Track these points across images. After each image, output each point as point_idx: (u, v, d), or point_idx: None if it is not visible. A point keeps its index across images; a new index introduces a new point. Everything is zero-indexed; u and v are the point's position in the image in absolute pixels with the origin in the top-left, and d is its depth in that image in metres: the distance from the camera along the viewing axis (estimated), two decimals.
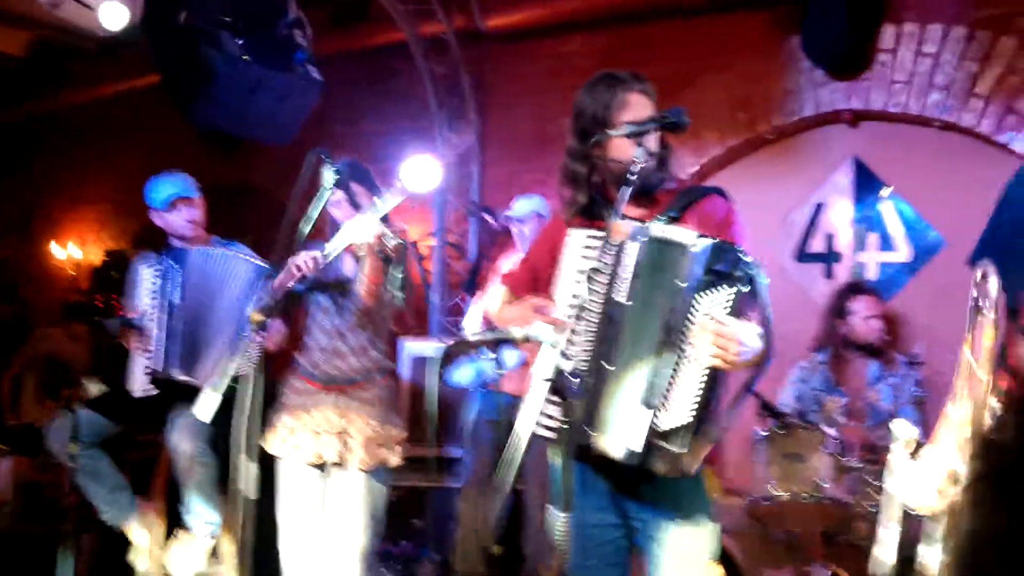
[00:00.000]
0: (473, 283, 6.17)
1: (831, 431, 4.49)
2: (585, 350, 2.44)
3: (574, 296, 2.46)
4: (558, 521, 2.06)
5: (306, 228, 3.32)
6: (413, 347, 5.71)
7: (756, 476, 4.59)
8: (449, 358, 3.99)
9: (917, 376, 4.86)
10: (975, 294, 2.35)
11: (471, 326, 5.20)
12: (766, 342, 2.34)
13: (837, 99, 5.66)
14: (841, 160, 5.85)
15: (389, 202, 3.46)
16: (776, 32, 5.65)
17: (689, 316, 2.31)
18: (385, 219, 3.53)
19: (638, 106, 2.59)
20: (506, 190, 6.23)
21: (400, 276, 3.45)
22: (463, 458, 5.19)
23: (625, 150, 2.55)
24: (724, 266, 2.30)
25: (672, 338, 2.30)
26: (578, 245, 2.53)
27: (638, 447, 2.32)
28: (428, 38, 6.65)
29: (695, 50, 5.93)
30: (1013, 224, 2.65)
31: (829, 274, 5.88)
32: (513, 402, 4.48)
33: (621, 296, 2.40)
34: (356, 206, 3.65)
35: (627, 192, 2.41)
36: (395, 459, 3.75)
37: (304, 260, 3.51)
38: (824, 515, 4.40)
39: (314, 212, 3.38)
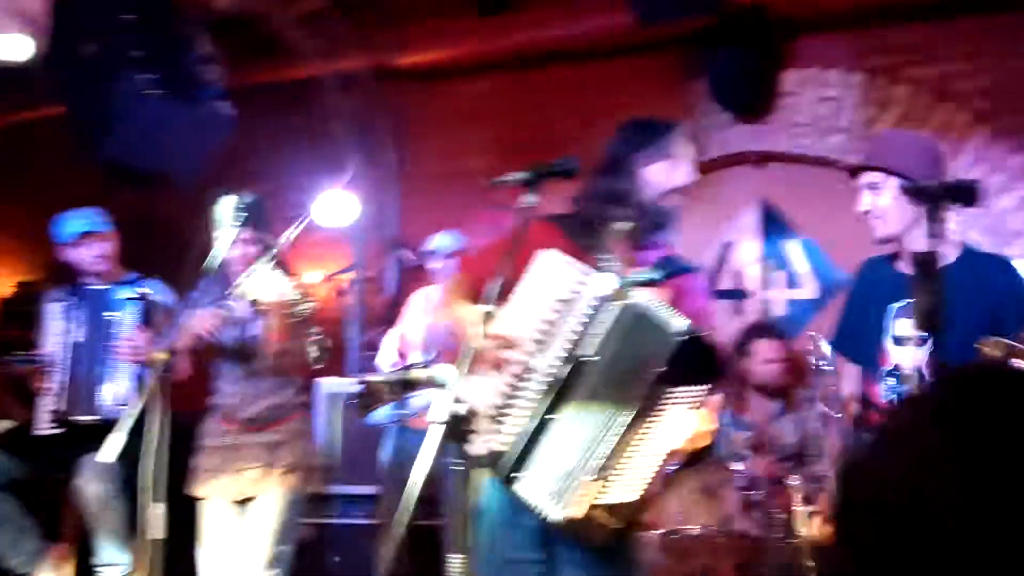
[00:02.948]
0: (391, 318, 6.16)
1: (738, 466, 4.58)
2: (530, 392, 2.44)
3: (542, 323, 2.45)
4: (455, 563, 2.07)
5: (213, 265, 3.31)
6: (329, 384, 5.67)
7: (668, 511, 4.65)
8: (364, 399, 3.98)
9: (820, 410, 4.97)
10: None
11: (385, 360, 5.19)
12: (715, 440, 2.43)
13: (743, 141, 5.81)
14: (748, 200, 6.00)
15: (291, 234, 3.48)
16: (681, 75, 5.79)
17: (659, 402, 2.32)
18: (284, 268, 3.53)
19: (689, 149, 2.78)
20: (421, 224, 6.25)
21: (316, 341, 3.46)
22: (380, 496, 5.16)
23: (659, 178, 2.70)
24: (703, 364, 2.34)
25: (639, 417, 2.31)
26: (553, 268, 2.50)
27: (579, 514, 2.33)
28: (341, 74, 6.66)
29: (600, 92, 6.02)
30: (855, 314, 3.19)
31: (738, 311, 6.00)
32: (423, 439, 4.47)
33: (588, 350, 2.40)
34: (262, 244, 3.64)
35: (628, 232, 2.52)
36: (313, 487, 3.81)
37: (209, 323, 3.49)
38: (736, 549, 4.48)
39: (220, 249, 3.37)
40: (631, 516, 2.38)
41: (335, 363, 6.15)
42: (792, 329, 5.56)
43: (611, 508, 2.34)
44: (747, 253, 6.01)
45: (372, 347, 6.75)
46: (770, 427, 5.04)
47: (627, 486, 2.34)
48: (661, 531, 4.63)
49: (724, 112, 5.70)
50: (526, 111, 6.37)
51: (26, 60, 4.49)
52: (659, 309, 2.38)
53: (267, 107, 6.71)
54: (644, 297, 2.41)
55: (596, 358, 2.38)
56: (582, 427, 2.37)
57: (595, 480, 2.30)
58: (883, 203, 2.98)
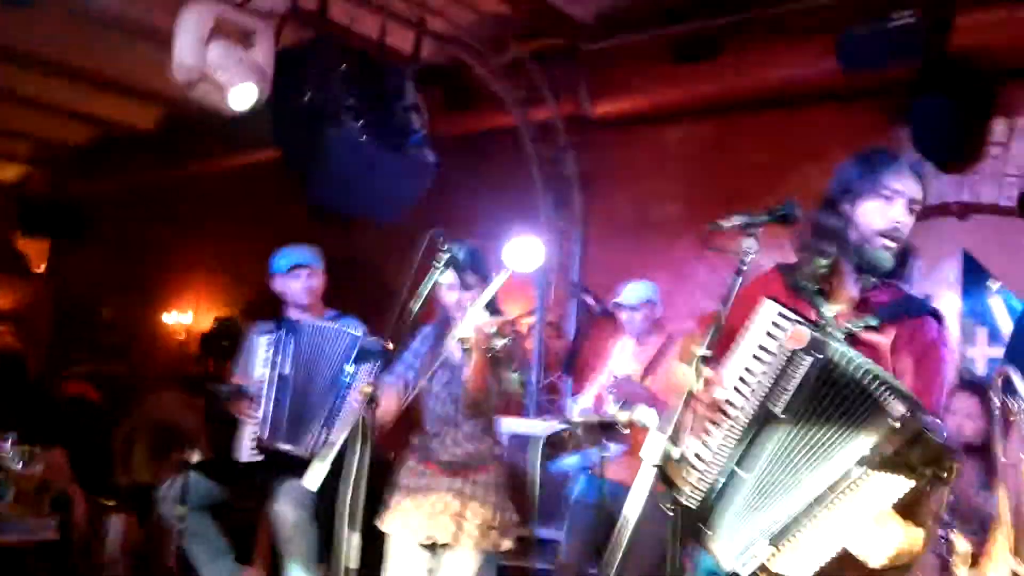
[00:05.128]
0: (571, 363, 6.19)
1: (939, 531, 4.35)
2: (723, 444, 2.36)
3: (745, 371, 2.32)
4: None
5: (415, 307, 3.39)
6: (510, 425, 5.73)
7: None
8: (554, 445, 3.97)
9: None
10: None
11: (579, 408, 5.17)
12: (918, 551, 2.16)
13: (946, 191, 5.60)
14: (949, 253, 5.77)
15: (493, 287, 3.53)
16: (885, 124, 5.63)
17: (849, 484, 2.14)
18: (496, 311, 3.58)
19: (910, 183, 2.56)
20: (605, 271, 6.28)
21: (516, 376, 3.47)
22: (561, 541, 5.14)
23: (875, 216, 2.54)
24: (918, 460, 2.09)
25: (825, 493, 2.16)
26: (767, 319, 2.33)
27: (744, 573, 2.26)
28: (536, 123, 6.80)
29: (799, 141, 5.92)
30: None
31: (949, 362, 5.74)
32: (614, 489, 4.44)
33: (777, 406, 2.27)
34: (467, 288, 3.73)
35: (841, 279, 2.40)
36: (507, 543, 3.78)
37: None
38: None
39: (424, 291, 3.46)
40: None
41: (515, 405, 6.23)
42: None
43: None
44: (947, 308, 5.76)
45: (552, 390, 6.82)
46: (973, 496, 4.77)
47: (800, 559, 2.19)
48: None
49: (927, 162, 5.51)
50: (720, 160, 6.33)
51: (250, 108, 4.72)
52: (855, 364, 2.18)
53: (465, 154, 6.93)
54: (845, 352, 2.21)
55: (783, 414, 2.25)
56: (781, 492, 2.26)
57: (769, 543, 2.21)
58: None
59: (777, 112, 6.14)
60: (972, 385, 5.05)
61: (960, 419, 4.85)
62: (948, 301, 5.75)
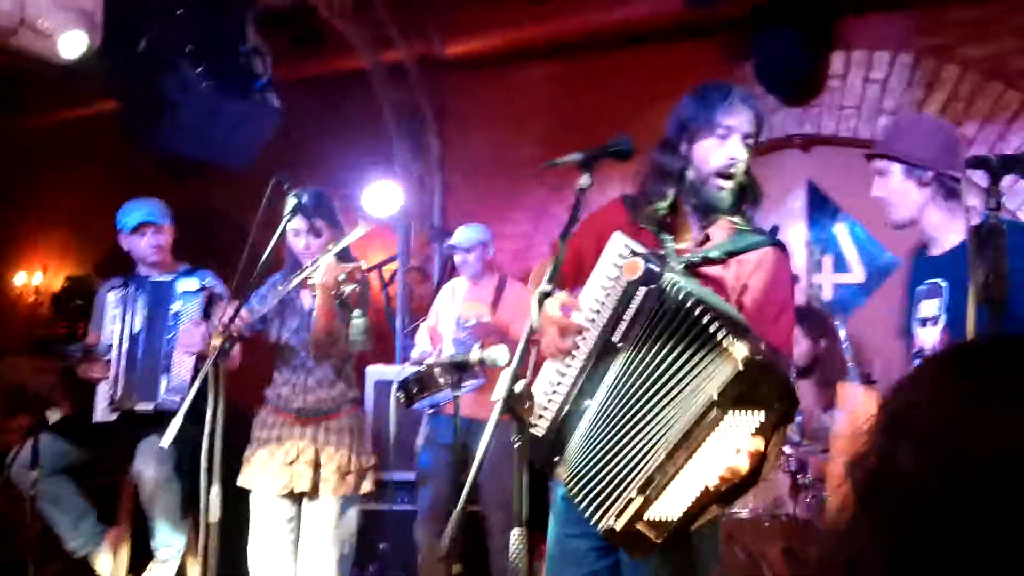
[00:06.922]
0: None
1: (788, 449, 4.57)
2: (564, 370, 2.41)
3: (594, 304, 2.36)
4: (514, 536, 2.05)
5: (265, 254, 3.34)
6: (377, 371, 5.73)
7: None
8: (409, 388, 4.00)
9: None
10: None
11: (420, 347, 5.23)
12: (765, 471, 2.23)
13: (789, 125, 5.78)
14: (795, 184, 5.97)
15: (350, 238, 3.50)
16: (728, 60, 5.76)
17: (707, 426, 2.15)
18: (345, 255, 3.56)
19: (743, 118, 2.57)
20: (467, 214, 6.28)
21: (361, 321, 3.48)
22: (415, 482, 5.20)
23: (710, 155, 2.56)
24: (767, 396, 2.13)
25: (685, 438, 2.17)
26: (615, 251, 2.37)
27: (618, 527, 2.27)
28: (388, 65, 6.71)
29: (647, 78, 6.01)
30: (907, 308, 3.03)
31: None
32: (467, 425, 4.50)
33: (615, 335, 2.32)
34: (316, 234, 3.69)
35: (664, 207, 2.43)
36: (367, 486, 3.82)
37: (236, 323, 3.43)
38: (784, 532, 4.47)
39: (274, 238, 3.41)
40: (672, 532, 2.27)
41: (382, 351, 6.22)
42: (840, 314, 5.52)
43: (653, 523, 2.26)
44: (794, 237, 5.98)
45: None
46: (821, 415, 5.02)
47: (670, 504, 2.24)
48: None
49: (770, 95, 5.67)
50: (572, 100, 6.37)
51: (80, 56, 4.54)
52: (686, 292, 2.21)
53: (314, 99, 6.79)
54: (676, 281, 2.25)
55: (620, 343, 2.31)
56: (627, 426, 2.29)
57: (639, 495, 2.23)
58: (892, 188, 2.97)
59: (627, 50, 6.20)
60: (808, 314, 5.30)
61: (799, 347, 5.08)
62: (795, 231, 5.97)
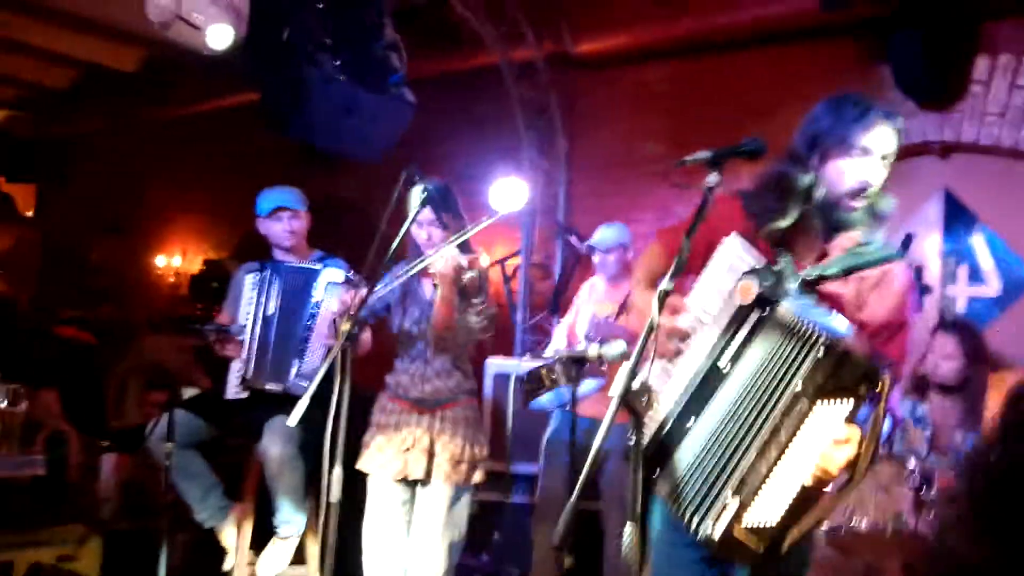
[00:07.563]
0: (557, 303, 6.25)
1: (912, 465, 4.43)
2: (673, 382, 2.39)
3: (705, 314, 2.34)
4: (627, 533, 2.06)
5: (394, 244, 3.42)
6: (496, 364, 5.79)
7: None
8: (529, 385, 4.03)
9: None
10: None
11: (555, 344, 5.24)
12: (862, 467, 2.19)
13: (927, 130, 5.61)
14: (931, 192, 5.79)
15: (473, 229, 3.56)
16: (864, 61, 5.62)
17: (798, 422, 2.12)
18: (465, 248, 3.62)
19: (882, 138, 2.42)
20: (591, 211, 6.31)
21: (479, 310, 3.48)
22: (538, 477, 5.24)
23: (843, 176, 2.42)
24: (849, 380, 2.10)
25: (775, 437, 2.14)
26: (729, 258, 2.35)
27: (716, 535, 2.20)
28: (518, 63, 6.77)
29: (779, 79, 5.91)
30: None
31: (919, 306, 5.80)
32: (590, 425, 4.51)
33: (723, 360, 2.30)
34: (443, 226, 3.77)
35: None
36: (478, 476, 3.88)
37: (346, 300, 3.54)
38: (904, 548, 4.35)
39: (404, 229, 3.49)
40: (775, 537, 2.21)
41: (503, 345, 6.29)
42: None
43: (752, 530, 2.19)
44: (929, 247, 5.80)
45: (538, 330, 6.87)
46: (954, 433, 4.85)
47: (768, 507, 2.18)
48: (828, 526, 4.55)
49: (908, 99, 5.51)
50: (701, 99, 6.32)
51: (226, 48, 4.71)
52: (805, 319, 2.16)
53: (446, 95, 6.90)
54: (793, 306, 2.21)
55: (726, 368, 2.28)
56: (726, 438, 2.25)
57: (734, 497, 2.17)
58: None
59: (759, 50, 6.12)
60: (950, 325, 5.08)
61: (936, 359, 4.87)
62: (929, 240, 5.80)
